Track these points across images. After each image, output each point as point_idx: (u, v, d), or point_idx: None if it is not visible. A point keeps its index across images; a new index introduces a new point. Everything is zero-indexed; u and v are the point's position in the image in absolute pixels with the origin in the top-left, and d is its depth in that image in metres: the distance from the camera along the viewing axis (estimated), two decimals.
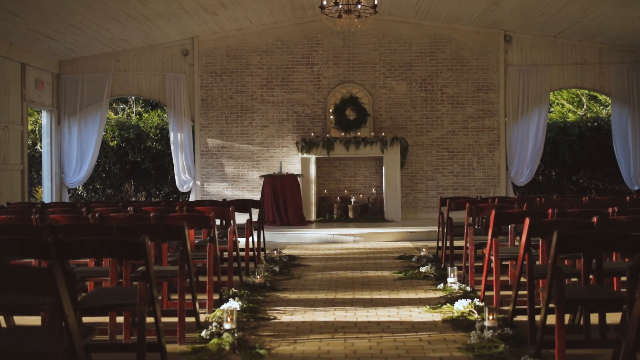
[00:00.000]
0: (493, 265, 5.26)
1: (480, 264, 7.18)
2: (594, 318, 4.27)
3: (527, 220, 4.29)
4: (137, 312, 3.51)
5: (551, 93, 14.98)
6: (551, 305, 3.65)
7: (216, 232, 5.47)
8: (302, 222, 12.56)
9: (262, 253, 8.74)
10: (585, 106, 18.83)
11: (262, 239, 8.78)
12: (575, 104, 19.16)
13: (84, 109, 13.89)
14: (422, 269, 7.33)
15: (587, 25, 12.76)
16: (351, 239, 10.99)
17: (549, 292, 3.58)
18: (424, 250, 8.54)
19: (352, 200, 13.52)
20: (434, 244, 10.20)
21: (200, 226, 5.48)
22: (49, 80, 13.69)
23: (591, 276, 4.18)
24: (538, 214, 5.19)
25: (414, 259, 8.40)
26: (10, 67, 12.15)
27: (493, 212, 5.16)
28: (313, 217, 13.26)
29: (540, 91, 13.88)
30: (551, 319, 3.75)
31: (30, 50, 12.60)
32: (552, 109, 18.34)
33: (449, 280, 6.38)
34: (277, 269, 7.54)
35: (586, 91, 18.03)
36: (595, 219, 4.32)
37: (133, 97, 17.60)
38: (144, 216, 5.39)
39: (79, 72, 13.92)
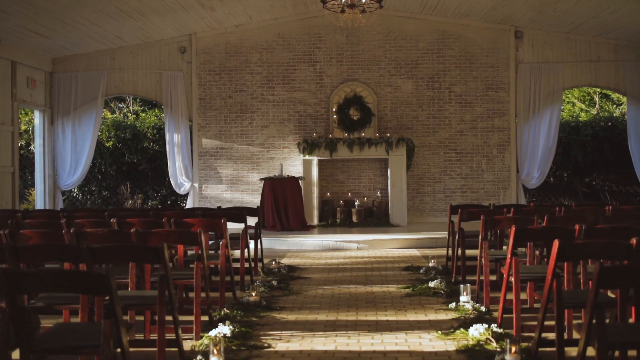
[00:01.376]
0: (513, 287, 4.70)
1: (494, 278, 6.65)
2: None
3: (556, 243, 3.73)
4: (101, 355, 2.98)
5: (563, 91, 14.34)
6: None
7: (204, 248, 4.93)
8: (303, 226, 12.02)
9: (259, 264, 8.20)
10: (597, 105, 18.22)
11: (259, 249, 8.25)
12: (586, 102, 18.55)
13: (78, 109, 13.38)
14: (432, 284, 6.78)
15: (603, 21, 12.15)
16: (355, 245, 10.46)
17: (587, 332, 3.03)
18: (432, 261, 7.99)
19: (356, 203, 12.97)
20: (442, 251, 9.66)
21: (188, 243, 4.95)
22: (42, 78, 13.17)
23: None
24: (563, 231, 4.64)
25: (422, 271, 7.86)
26: (0, 65, 11.64)
27: (513, 229, 4.60)
28: (315, 221, 12.72)
29: (553, 90, 13.29)
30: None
31: (20, 47, 12.09)
32: (562, 108, 17.71)
33: (462, 298, 5.84)
34: (274, 282, 7.00)
35: (598, 89, 17.40)
36: (634, 242, 3.76)
37: (131, 96, 17.06)
38: (124, 232, 4.85)
39: (73, 70, 13.39)
